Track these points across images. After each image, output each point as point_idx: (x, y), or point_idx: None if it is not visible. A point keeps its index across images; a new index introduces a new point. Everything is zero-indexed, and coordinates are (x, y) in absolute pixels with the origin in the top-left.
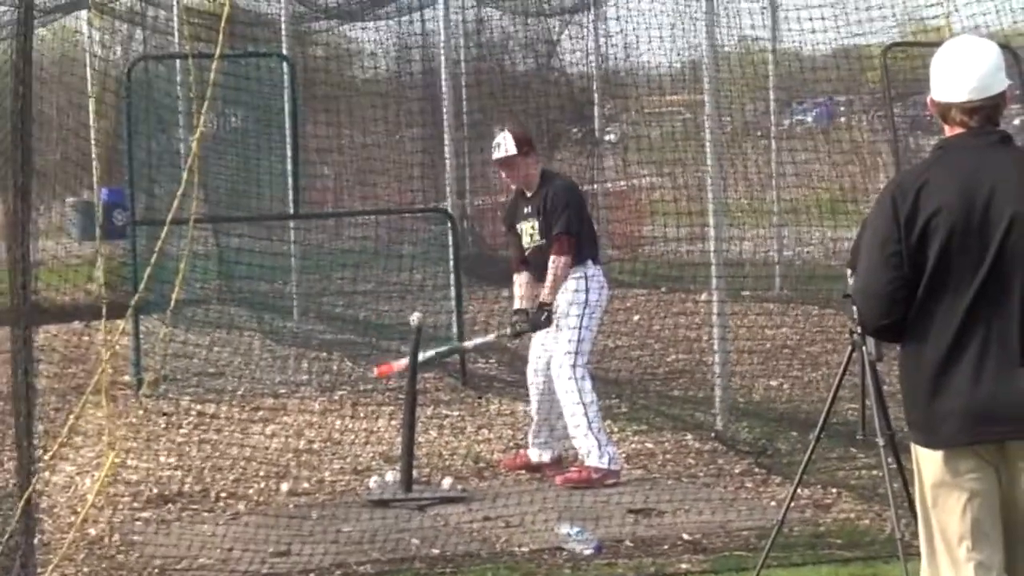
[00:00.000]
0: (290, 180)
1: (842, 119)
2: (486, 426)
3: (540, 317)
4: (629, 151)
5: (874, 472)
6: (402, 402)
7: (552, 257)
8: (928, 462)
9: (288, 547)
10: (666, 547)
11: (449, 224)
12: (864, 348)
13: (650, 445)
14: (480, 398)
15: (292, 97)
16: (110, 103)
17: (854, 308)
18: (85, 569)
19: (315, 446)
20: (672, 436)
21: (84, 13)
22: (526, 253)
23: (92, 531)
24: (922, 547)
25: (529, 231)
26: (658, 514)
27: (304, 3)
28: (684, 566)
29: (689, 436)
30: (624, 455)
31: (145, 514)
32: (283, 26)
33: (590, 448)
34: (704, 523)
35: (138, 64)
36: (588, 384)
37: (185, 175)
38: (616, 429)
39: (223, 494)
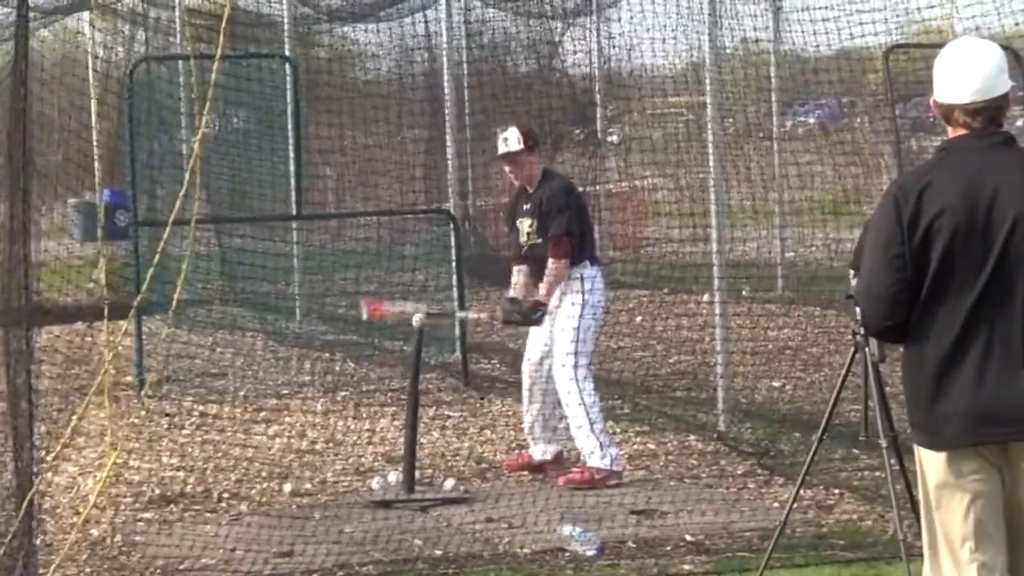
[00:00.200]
0: (292, 181)
1: (844, 120)
2: (488, 427)
3: (533, 315)
4: (631, 152)
5: (877, 473)
6: (404, 403)
7: (551, 259)
8: (931, 463)
9: (291, 548)
10: (668, 548)
11: (451, 225)
12: (867, 349)
13: (652, 446)
14: (482, 399)
15: (294, 98)
16: (112, 104)
17: (857, 309)
18: (87, 570)
19: (317, 447)
20: (675, 437)
21: (86, 14)
22: (523, 250)
23: (94, 532)
24: (925, 548)
25: (527, 229)
26: (660, 515)
27: (306, 4)
28: (687, 567)
29: (691, 437)
30: (626, 456)
31: (147, 515)
32: (285, 27)
33: (592, 449)
34: (707, 524)
35: (140, 65)
36: (589, 385)
37: (187, 176)
38: (618, 430)
39: (225, 495)
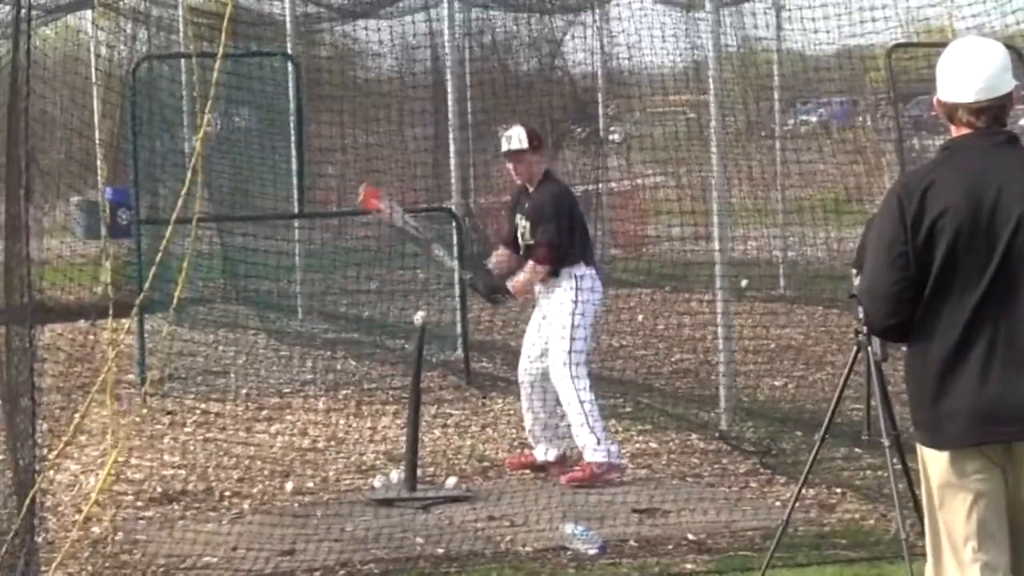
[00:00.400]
0: (294, 179)
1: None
2: (490, 425)
3: (492, 293)
4: (633, 151)
5: (879, 472)
6: (406, 401)
7: (531, 261)
8: (934, 463)
9: (292, 546)
10: (671, 547)
11: (453, 223)
12: (869, 348)
13: (654, 445)
14: (484, 397)
15: (296, 96)
16: (114, 102)
17: (860, 308)
18: (89, 568)
19: (319, 445)
20: (676, 436)
21: (88, 12)
22: (520, 252)
23: (96, 530)
24: (928, 548)
25: (522, 228)
26: (662, 514)
27: (309, 2)
28: (689, 566)
29: (693, 436)
30: (628, 455)
31: (149, 513)
32: (287, 25)
33: (589, 443)
34: (709, 523)
35: (142, 63)
36: (584, 382)
37: (189, 174)
38: (620, 429)
39: (227, 493)
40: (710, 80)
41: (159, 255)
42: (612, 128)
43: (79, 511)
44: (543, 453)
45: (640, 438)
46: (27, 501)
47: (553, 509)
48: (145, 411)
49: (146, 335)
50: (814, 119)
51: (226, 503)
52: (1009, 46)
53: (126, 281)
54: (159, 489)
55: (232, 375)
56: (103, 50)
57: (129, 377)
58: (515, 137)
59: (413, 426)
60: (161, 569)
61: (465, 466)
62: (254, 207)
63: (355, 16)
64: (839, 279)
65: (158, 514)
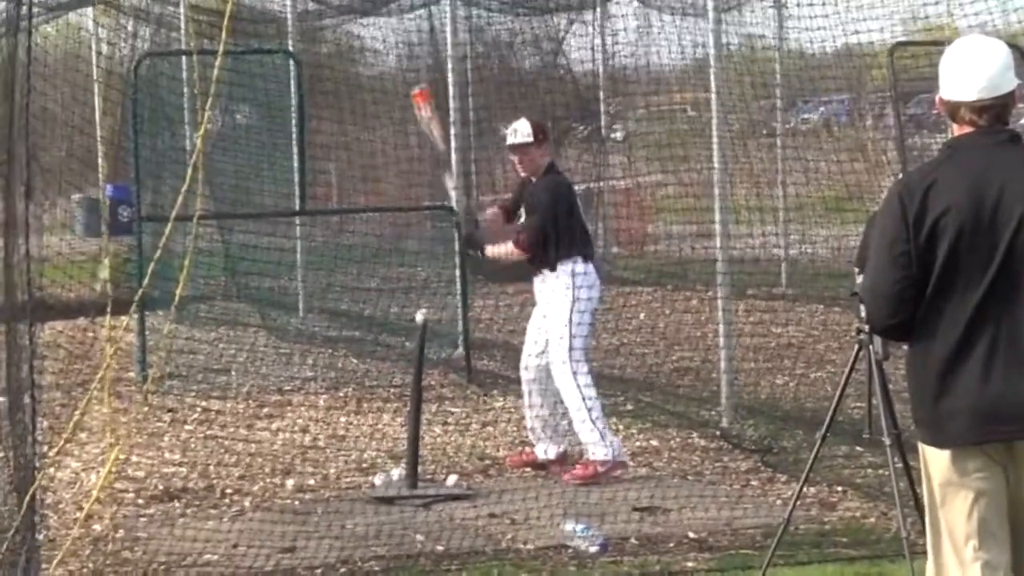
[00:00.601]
0: (296, 177)
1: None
2: (491, 423)
3: (466, 246)
4: (635, 149)
5: (880, 471)
6: (407, 399)
7: (511, 242)
8: (935, 461)
9: (293, 543)
10: (672, 545)
11: (454, 221)
12: (871, 347)
13: (655, 443)
14: (485, 395)
15: (298, 94)
16: (115, 100)
17: (861, 307)
18: (90, 565)
19: (320, 443)
20: (678, 434)
21: (89, 10)
22: (513, 221)
23: (97, 527)
24: (928, 546)
25: (521, 218)
26: (663, 512)
27: None
28: (690, 564)
29: (695, 434)
30: (629, 453)
31: (150, 510)
32: (289, 23)
33: (593, 441)
34: (710, 521)
35: (144, 61)
36: (585, 379)
37: (190, 172)
38: (622, 427)
39: (228, 490)
40: (712, 78)
41: (159, 252)
42: (614, 126)
43: (80, 508)
44: (544, 451)
45: (641, 436)
46: (28, 498)
47: (554, 507)
48: (146, 408)
49: (147, 332)
50: (815, 117)
51: (227, 500)
52: (1012, 45)
53: (126, 278)
54: (160, 486)
55: (233, 372)
56: (104, 47)
57: (130, 374)
58: (520, 131)
59: (414, 424)
60: (162, 566)
61: (466, 464)
62: (255, 204)
63: (356, 13)
64: (840, 277)
65: (159, 511)
